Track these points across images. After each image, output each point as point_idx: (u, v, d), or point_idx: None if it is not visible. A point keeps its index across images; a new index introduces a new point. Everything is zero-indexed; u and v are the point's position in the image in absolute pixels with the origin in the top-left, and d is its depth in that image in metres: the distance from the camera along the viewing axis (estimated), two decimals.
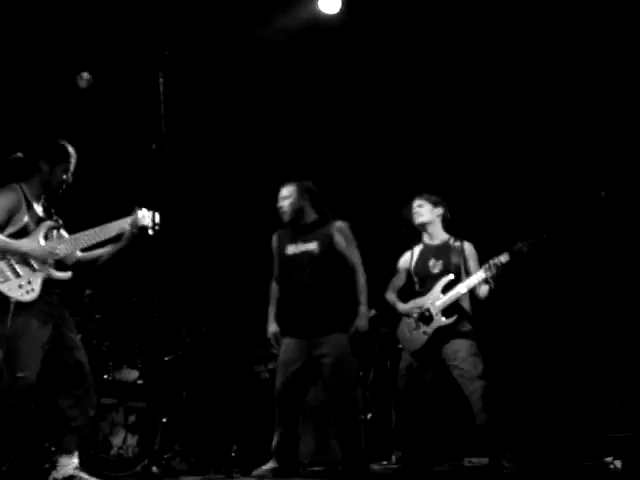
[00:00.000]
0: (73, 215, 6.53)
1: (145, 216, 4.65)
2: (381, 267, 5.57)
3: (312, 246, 4.91)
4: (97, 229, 4.53)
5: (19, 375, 4.08)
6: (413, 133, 6.95)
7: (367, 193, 7.09)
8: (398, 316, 5.29)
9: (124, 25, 6.16)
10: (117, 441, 5.54)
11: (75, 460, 4.41)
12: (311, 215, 5.02)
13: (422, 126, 6.91)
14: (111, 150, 6.73)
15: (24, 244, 4.27)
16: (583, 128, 6.37)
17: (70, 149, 4.50)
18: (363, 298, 4.83)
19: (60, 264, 4.46)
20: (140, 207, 4.65)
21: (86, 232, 4.52)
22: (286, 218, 5.01)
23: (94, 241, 4.53)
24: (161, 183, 4.52)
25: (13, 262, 4.23)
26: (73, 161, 4.51)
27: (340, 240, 4.92)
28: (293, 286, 4.92)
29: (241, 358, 6.59)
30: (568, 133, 6.42)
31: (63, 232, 4.54)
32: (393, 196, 6.72)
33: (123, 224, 4.60)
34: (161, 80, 4.56)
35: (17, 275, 4.23)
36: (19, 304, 4.16)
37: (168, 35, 5.86)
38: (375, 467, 5.94)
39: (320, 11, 6.34)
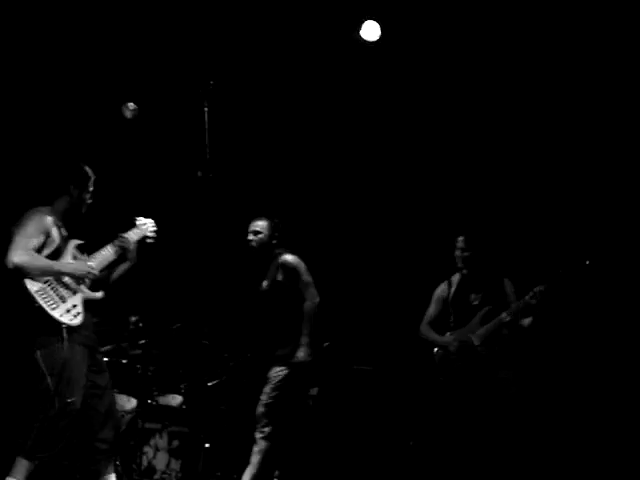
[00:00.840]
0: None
1: (147, 224, 4.68)
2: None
3: (265, 283, 5.23)
4: (109, 247, 4.49)
5: (69, 401, 4.09)
6: (445, 159, 6.95)
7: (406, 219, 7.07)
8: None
9: (170, 56, 6.27)
10: (160, 466, 5.59)
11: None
12: (271, 252, 5.23)
13: (453, 151, 6.90)
14: (158, 178, 6.84)
15: (65, 264, 4.26)
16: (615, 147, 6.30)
17: (90, 173, 4.50)
18: (306, 329, 5.00)
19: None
20: (138, 216, 4.67)
21: (102, 251, 4.47)
22: (253, 252, 5.23)
23: (111, 259, 4.50)
24: (207, 210, 4.58)
25: (56, 285, 4.19)
26: (93, 184, 4.52)
27: (281, 276, 5.13)
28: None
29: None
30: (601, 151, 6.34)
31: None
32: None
33: (133, 237, 4.59)
34: (206, 109, 4.63)
35: (63, 300, 4.19)
36: (69, 329, 4.15)
37: (213, 65, 5.95)
38: None
39: (361, 38, 6.40)
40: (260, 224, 5.24)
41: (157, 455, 5.61)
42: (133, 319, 6.28)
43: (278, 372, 5.05)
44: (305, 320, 5.04)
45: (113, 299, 6.16)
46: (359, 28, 6.37)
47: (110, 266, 4.54)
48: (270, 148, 6.97)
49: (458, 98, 6.69)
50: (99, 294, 4.40)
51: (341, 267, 7.06)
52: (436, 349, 5.28)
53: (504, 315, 4.98)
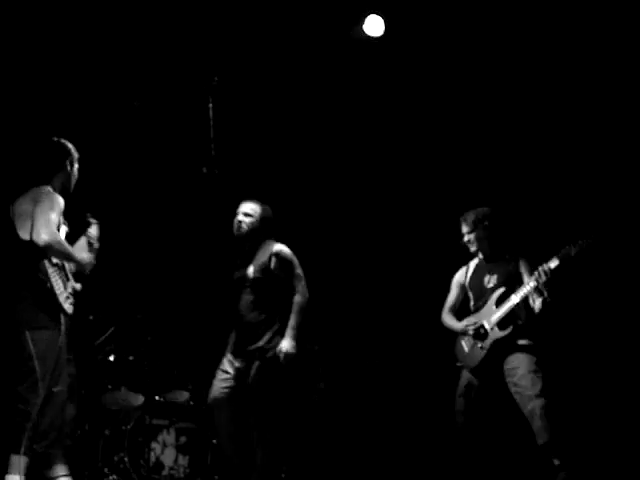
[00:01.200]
0: (124, 238, 6.69)
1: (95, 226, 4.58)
2: None
3: (251, 270, 4.86)
4: (82, 239, 4.43)
5: (54, 390, 4.00)
6: (449, 152, 6.93)
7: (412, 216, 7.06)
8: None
9: (174, 52, 6.27)
10: (168, 462, 5.60)
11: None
12: (259, 240, 4.94)
13: (458, 145, 6.89)
14: (163, 174, 6.85)
15: (81, 255, 4.27)
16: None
17: (72, 151, 4.41)
18: (294, 322, 4.77)
19: None
20: (91, 216, 4.57)
21: (80, 242, 4.41)
22: (239, 235, 4.91)
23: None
24: (212, 206, 4.58)
25: (61, 271, 4.17)
26: (76, 164, 4.45)
27: (275, 265, 4.85)
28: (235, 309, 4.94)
29: (291, 380, 6.58)
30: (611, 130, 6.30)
31: None
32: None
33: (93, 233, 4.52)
34: (210, 105, 4.63)
35: (65, 286, 4.17)
36: (65, 316, 4.11)
37: (217, 61, 5.95)
38: None
39: (365, 34, 6.39)
40: (252, 207, 4.93)
41: (165, 451, 5.62)
42: (139, 316, 6.28)
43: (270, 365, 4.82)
44: (295, 313, 4.79)
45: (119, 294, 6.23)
46: (363, 23, 6.37)
47: None
48: (275, 144, 6.96)
49: (462, 93, 6.68)
50: (79, 285, 4.33)
51: (348, 260, 7.05)
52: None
53: (527, 282, 4.88)
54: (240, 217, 4.91)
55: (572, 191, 6.39)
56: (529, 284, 4.82)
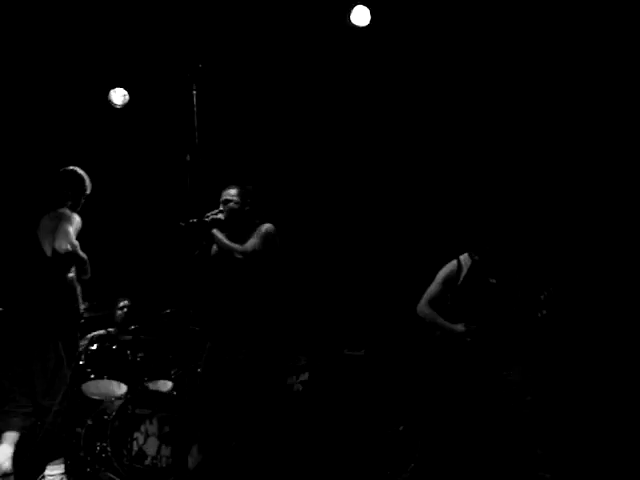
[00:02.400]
0: (108, 225, 6.67)
1: None
2: None
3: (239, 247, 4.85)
4: None
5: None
6: (439, 148, 6.92)
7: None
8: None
9: (158, 40, 6.24)
10: (151, 451, 5.58)
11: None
12: (250, 220, 4.98)
13: (448, 139, 6.87)
14: (146, 162, 6.82)
15: (89, 266, 4.79)
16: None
17: (87, 181, 4.99)
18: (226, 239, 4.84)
19: None
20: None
21: None
22: (225, 218, 4.92)
23: None
24: (196, 194, 4.55)
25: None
26: (89, 190, 5.00)
27: (263, 246, 4.85)
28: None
29: (273, 370, 6.58)
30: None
31: None
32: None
33: None
34: (194, 92, 4.59)
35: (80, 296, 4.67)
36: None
37: (201, 48, 5.92)
38: None
39: (351, 23, 6.38)
40: (231, 192, 4.95)
41: (148, 441, 5.60)
42: (122, 304, 6.26)
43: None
44: (229, 241, 4.86)
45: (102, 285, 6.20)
46: (349, 13, 6.35)
47: None
48: (259, 131, 6.94)
49: (453, 86, 6.65)
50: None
51: (331, 251, 7.04)
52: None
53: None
54: (221, 206, 4.95)
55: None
56: None
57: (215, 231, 4.78)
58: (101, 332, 6.17)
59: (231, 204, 4.93)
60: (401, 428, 6.16)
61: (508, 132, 6.56)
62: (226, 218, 4.91)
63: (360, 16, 6.39)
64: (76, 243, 4.62)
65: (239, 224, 4.94)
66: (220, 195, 5.00)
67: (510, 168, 6.53)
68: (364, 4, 6.34)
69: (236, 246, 4.81)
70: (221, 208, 4.94)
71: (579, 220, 6.21)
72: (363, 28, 6.40)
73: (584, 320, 6.03)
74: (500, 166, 6.56)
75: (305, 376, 6.29)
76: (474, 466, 4.93)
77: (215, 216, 4.84)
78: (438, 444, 5.17)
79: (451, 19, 6.31)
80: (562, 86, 6.30)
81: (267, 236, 4.89)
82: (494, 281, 5.04)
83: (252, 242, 4.84)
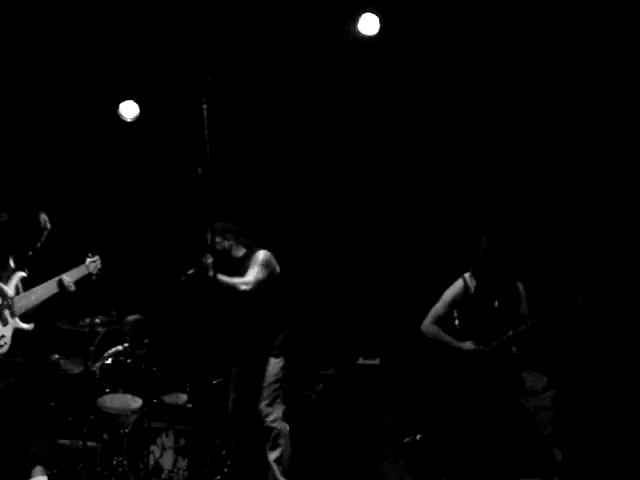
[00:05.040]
0: (120, 238, 6.68)
1: (96, 261, 4.76)
2: None
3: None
4: (52, 283, 4.50)
5: None
6: (444, 154, 6.91)
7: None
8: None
9: (168, 53, 6.25)
10: (167, 464, 5.58)
11: None
12: (239, 251, 5.24)
13: (454, 145, 6.86)
14: (158, 175, 6.83)
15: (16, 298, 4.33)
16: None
17: (42, 221, 4.54)
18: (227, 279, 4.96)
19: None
20: (93, 254, 4.78)
21: (44, 286, 4.47)
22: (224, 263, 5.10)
23: (48, 296, 4.48)
24: (208, 206, 4.55)
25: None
26: (46, 232, 4.56)
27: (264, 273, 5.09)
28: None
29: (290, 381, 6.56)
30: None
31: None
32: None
33: (84, 270, 4.66)
34: (205, 106, 4.59)
35: None
36: None
37: (211, 62, 5.94)
38: None
39: (359, 32, 6.37)
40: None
41: (164, 454, 5.61)
42: (131, 318, 6.25)
43: (276, 363, 5.09)
44: (230, 279, 5.01)
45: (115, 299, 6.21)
46: (357, 22, 6.35)
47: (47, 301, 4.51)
48: (270, 143, 6.94)
49: (459, 93, 6.64)
50: (29, 326, 4.37)
51: (344, 262, 7.04)
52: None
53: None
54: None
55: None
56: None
57: (219, 275, 4.85)
58: (119, 348, 6.17)
59: (219, 246, 5.06)
60: (418, 437, 6.15)
61: (517, 143, 6.55)
62: (222, 261, 5.05)
63: (368, 25, 6.39)
64: None
65: (230, 258, 5.20)
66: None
67: (517, 182, 6.54)
68: (373, 12, 6.34)
69: (237, 280, 5.04)
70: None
71: (583, 232, 6.20)
72: (371, 37, 6.39)
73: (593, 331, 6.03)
74: (507, 180, 6.57)
75: (320, 386, 6.28)
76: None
77: (208, 261, 4.90)
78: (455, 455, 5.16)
79: (457, 26, 6.30)
80: (566, 98, 6.30)
81: (264, 262, 5.14)
82: (497, 304, 5.06)
83: (251, 272, 5.10)
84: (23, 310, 4.35)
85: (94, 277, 4.75)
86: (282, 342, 5.13)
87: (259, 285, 5.05)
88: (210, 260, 4.82)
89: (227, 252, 5.21)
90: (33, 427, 4.26)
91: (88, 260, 4.73)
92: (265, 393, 5.06)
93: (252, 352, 5.14)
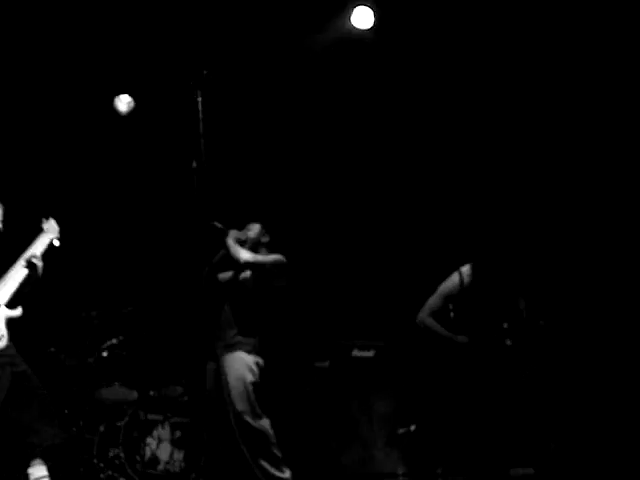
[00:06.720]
0: (114, 231, 6.69)
1: (52, 224, 4.67)
2: None
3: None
4: (18, 268, 4.43)
5: None
6: (437, 151, 6.93)
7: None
8: None
9: (162, 46, 6.25)
10: (164, 456, 5.61)
11: None
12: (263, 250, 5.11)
13: (447, 143, 6.88)
14: (152, 169, 6.84)
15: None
16: None
17: None
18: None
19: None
20: (47, 218, 4.67)
21: (12, 273, 4.40)
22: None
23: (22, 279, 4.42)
24: (202, 200, 4.57)
25: None
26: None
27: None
28: None
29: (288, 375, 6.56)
30: None
31: None
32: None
33: (44, 239, 4.58)
34: (199, 99, 4.60)
35: None
36: None
37: (206, 55, 5.94)
38: None
39: (353, 26, 6.38)
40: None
41: (160, 446, 5.64)
42: (129, 309, 6.27)
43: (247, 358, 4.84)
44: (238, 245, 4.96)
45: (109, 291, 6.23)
46: (351, 15, 6.35)
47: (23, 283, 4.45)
48: (264, 137, 6.96)
49: (455, 87, 6.65)
50: (18, 312, 4.33)
51: (339, 253, 7.06)
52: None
53: None
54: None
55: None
56: None
57: (229, 239, 4.82)
58: (113, 341, 6.18)
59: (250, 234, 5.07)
60: (412, 428, 6.20)
61: (516, 143, 6.58)
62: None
63: (362, 18, 6.39)
64: None
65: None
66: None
67: (515, 183, 6.57)
68: (366, 5, 6.34)
69: (243, 250, 4.88)
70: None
71: (580, 231, 6.23)
72: (366, 30, 6.39)
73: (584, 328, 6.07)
74: (506, 180, 6.60)
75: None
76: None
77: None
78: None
79: (453, 21, 6.30)
80: (564, 100, 6.32)
81: (277, 258, 4.96)
82: (494, 296, 5.08)
83: (262, 254, 4.97)
84: (7, 297, 4.31)
85: (58, 242, 4.62)
86: (256, 342, 4.86)
87: (259, 268, 4.86)
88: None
89: (256, 242, 5.07)
90: (35, 418, 4.26)
91: (45, 226, 4.63)
92: (233, 389, 4.69)
93: (226, 349, 4.83)
